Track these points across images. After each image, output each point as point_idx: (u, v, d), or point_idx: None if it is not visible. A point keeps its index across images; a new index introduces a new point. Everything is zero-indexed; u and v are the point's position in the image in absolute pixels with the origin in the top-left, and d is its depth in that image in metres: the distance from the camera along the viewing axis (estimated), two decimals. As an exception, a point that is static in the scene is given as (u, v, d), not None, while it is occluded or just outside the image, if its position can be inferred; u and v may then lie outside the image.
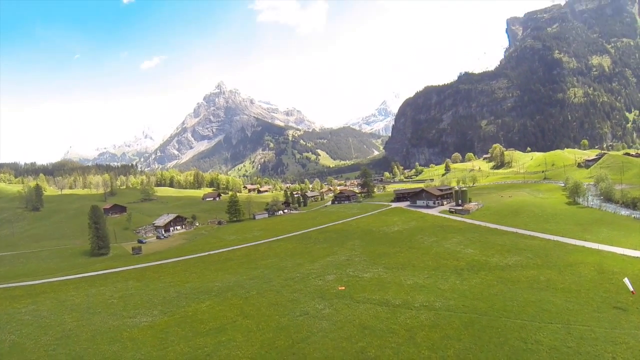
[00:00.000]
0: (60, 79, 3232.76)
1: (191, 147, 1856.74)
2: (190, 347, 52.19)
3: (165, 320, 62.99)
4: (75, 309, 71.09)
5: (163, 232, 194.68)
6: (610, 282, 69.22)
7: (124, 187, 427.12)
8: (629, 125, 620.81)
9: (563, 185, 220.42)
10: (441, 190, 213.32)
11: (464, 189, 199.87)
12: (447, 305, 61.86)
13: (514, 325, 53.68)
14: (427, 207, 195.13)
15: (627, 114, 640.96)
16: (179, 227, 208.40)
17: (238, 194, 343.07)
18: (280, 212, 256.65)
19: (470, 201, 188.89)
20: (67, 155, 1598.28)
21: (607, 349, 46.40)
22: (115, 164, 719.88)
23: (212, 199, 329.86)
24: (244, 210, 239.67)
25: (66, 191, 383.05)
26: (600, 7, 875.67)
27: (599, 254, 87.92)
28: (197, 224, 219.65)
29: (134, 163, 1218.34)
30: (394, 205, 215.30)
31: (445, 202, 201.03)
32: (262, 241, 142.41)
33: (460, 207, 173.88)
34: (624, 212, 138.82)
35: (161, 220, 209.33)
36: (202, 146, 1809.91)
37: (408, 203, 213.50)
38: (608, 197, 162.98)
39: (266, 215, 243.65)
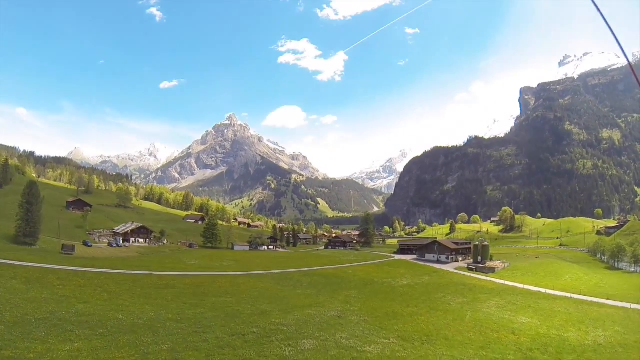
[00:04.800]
0: (81, 80, 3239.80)
1: (193, 174, 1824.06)
2: None
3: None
4: None
5: (120, 241, 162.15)
6: None
7: (104, 189, 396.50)
8: (637, 199, 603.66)
9: (586, 251, 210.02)
10: (457, 244, 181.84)
11: (486, 243, 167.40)
12: None
13: None
14: (439, 262, 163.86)
15: (635, 188, 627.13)
16: (141, 240, 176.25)
17: (225, 224, 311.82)
18: (265, 247, 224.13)
19: (492, 259, 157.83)
20: (70, 155, 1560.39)
21: None
22: (113, 174, 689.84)
23: (194, 221, 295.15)
24: (223, 237, 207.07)
25: (43, 179, 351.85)
26: (612, 83, 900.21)
27: None
28: (165, 242, 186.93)
29: (134, 178, 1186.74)
30: (397, 257, 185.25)
31: (460, 259, 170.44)
32: (228, 273, 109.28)
33: (481, 265, 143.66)
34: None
35: (122, 228, 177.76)
36: (204, 175, 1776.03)
37: (414, 257, 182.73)
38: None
39: (247, 248, 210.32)
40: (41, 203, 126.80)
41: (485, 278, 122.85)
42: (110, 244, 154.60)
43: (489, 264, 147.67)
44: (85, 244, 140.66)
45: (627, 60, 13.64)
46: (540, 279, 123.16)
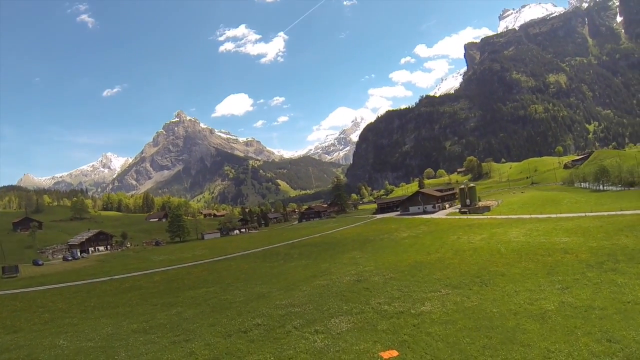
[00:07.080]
0: (19, 102, 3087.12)
1: (150, 178, 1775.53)
2: None
3: None
4: None
5: (78, 253, 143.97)
6: None
7: (56, 204, 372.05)
8: (589, 136, 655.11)
9: (561, 184, 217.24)
10: (441, 191, 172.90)
11: (472, 185, 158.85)
12: None
13: None
14: (425, 212, 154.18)
15: (587, 125, 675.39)
16: (101, 248, 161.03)
17: (191, 218, 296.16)
18: (237, 231, 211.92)
19: (480, 200, 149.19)
20: (20, 183, 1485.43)
21: None
22: (67, 191, 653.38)
23: (157, 219, 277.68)
24: (191, 229, 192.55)
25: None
26: (553, 30, 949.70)
27: None
28: (128, 245, 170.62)
29: (90, 193, 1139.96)
30: (379, 216, 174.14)
31: (447, 206, 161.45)
32: (203, 261, 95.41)
33: (474, 206, 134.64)
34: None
35: (78, 238, 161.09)
36: (161, 176, 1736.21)
37: (397, 213, 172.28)
38: (631, 184, 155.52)
39: (218, 235, 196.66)
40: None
41: (485, 217, 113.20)
42: (65, 258, 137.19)
43: (481, 203, 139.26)
44: (35, 263, 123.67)
45: None
46: (542, 208, 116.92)
